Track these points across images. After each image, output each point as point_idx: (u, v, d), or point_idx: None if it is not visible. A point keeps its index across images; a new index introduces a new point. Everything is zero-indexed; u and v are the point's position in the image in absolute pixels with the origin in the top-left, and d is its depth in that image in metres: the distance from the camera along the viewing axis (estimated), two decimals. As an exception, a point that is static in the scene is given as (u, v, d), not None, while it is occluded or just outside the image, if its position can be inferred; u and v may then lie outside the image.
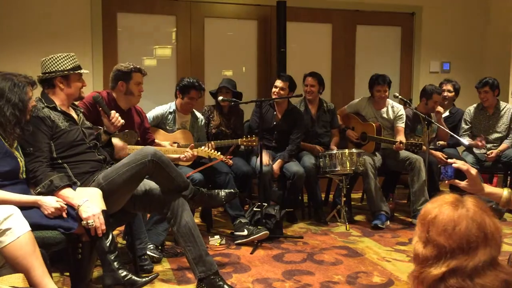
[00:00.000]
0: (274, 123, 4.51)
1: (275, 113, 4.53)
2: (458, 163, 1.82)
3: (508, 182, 5.00)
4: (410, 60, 5.93)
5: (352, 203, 4.92)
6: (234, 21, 5.44)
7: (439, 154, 4.67)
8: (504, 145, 4.76)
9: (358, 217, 4.64)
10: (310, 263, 3.34)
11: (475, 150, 4.80)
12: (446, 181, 1.93)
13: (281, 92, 4.40)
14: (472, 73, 5.85)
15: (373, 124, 4.59)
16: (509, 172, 4.87)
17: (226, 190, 3.12)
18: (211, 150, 3.63)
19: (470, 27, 5.97)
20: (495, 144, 4.82)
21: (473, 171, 1.77)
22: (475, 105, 4.96)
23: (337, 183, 4.52)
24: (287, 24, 5.16)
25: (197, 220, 4.34)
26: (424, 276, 1.05)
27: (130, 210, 2.87)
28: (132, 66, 3.35)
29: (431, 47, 5.90)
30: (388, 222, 4.34)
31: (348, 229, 4.18)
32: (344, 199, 4.34)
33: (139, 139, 3.40)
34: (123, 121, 3.00)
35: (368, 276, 3.11)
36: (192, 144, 3.62)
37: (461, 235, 1.01)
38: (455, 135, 4.43)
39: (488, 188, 1.78)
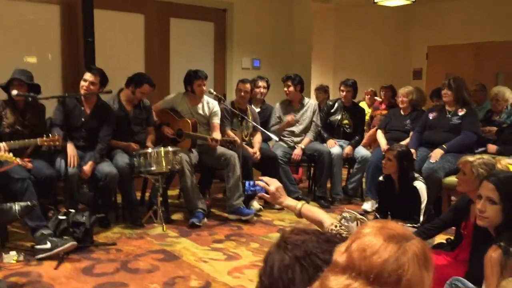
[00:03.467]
0: (83, 119, 4.11)
1: (83, 108, 4.13)
2: (263, 181, 1.92)
3: (312, 172, 5.47)
4: (223, 56, 6.00)
5: (170, 200, 4.80)
6: (32, 4, 4.79)
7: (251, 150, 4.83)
8: (306, 139, 5.14)
9: (175, 216, 4.52)
10: (124, 273, 3.10)
11: (285, 140, 5.12)
12: (258, 195, 2.00)
13: (91, 86, 4.02)
14: (279, 70, 6.17)
15: (189, 121, 4.52)
16: (312, 164, 5.32)
17: (22, 203, 2.70)
18: (2, 153, 3.10)
19: (277, 26, 6.28)
20: (301, 137, 5.18)
21: (272, 187, 1.89)
22: (282, 100, 5.27)
23: (153, 182, 4.34)
24: (94, 12, 4.74)
25: (-11, 234, 3.73)
26: (324, 283, 0.92)
27: None
28: None
29: (242, 43, 6.04)
30: (205, 220, 4.32)
31: (165, 230, 4.03)
32: (161, 198, 4.19)
33: None
34: None
35: (186, 280, 3.01)
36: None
37: (376, 265, 0.89)
38: (265, 131, 4.63)
39: (287, 201, 1.89)
